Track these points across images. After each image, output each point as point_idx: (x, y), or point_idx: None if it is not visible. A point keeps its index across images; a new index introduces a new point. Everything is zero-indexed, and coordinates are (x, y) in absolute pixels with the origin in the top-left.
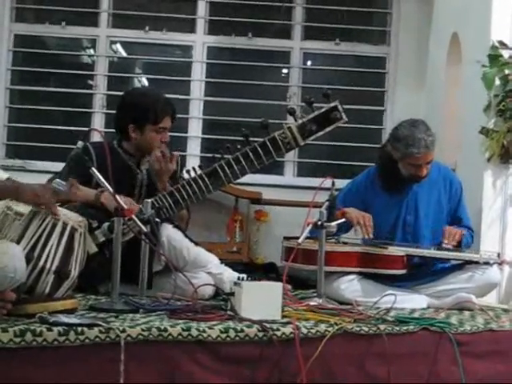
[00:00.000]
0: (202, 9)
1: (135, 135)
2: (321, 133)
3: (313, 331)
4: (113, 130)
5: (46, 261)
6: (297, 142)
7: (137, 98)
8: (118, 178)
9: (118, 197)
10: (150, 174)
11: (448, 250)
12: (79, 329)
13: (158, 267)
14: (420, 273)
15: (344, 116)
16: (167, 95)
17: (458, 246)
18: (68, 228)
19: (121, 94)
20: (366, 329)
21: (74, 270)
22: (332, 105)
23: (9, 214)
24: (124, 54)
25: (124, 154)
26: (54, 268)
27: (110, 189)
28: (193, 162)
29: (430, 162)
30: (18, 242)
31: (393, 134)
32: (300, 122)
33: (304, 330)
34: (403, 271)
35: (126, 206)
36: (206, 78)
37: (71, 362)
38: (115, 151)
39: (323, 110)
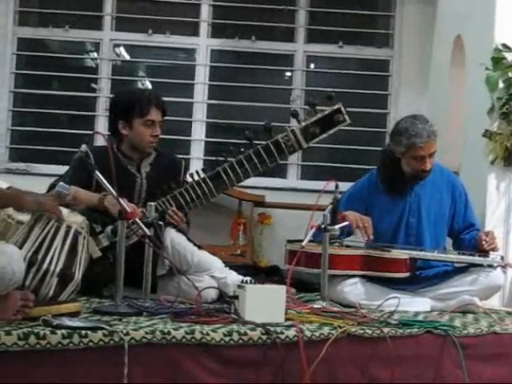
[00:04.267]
0: (205, 12)
1: (125, 131)
2: (324, 135)
3: (316, 334)
4: (110, 133)
5: (49, 263)
6: (300, 144)
7: (122, 95)
8: (116, 182)
9: (121, 200)
10: (149, 177)
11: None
12: (83, 332)
13: (162, 271)
14: (423, 276)
15: (347, 118)
16: (170, 98)
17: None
18: (72, 231)
19: None
20: (370, 332)
21: (78, 273)
22: (335, 107)
23: (11, 223)
24: (127, 58)
25: (123, 157)
26: (57, 271)
27: (114, 192)
28: (196, 165)
29: (433, 153)
30: (21, 246)
31: (394, 129)
32: (303, 124)
33: (308, 333)
34: (407, 274)
35: (129, 210)
36: (210, 81)
37: (75, 365)
38: (114, 155)
39: (326, 112)
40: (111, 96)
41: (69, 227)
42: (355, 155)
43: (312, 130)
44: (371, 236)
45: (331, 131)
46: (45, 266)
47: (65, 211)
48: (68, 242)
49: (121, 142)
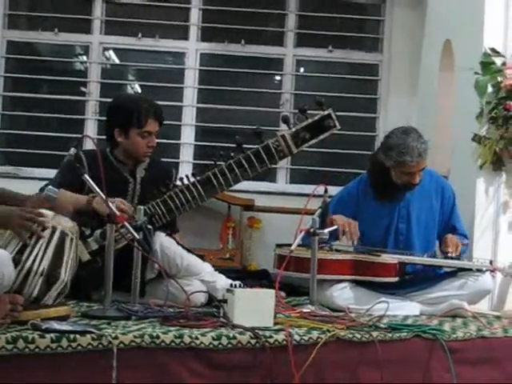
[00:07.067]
0: (194, 16)
1: (121, 139)
2: (314, 141)
3: (305, 338)
4: (105, 137)
5: (33, 263)
6: (290, 149)
7: (121, 102)
8: (109, 186)
9: (110, 203)
10: (143, 182)
11: (451, 258)
12: (71, 336)
13: (151, 275)
14: (413, 280)
15: (337, 124)
16: (160, 102)
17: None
18: (57, 232)
19: None
20: (359, 336)
21: (64, 275)
22: (325, 113)
23: None
24: (117, 61)
25: (116, 162)
26: (40, 270)
27: (103, 195)
28: (186, 168)
29: (422, 169)
30: (6, 246)
31: (385, 142)
32: (293, 129)
33: (297, 337)
34: (396, 279)
35: (118, 213)
36: (199, 84)
37: (64, 369)
38: (108, 159)
39: (316, 117)
40: (101, 99)
41: (54, 228)
42: (344, 159)
43: (302, 136)
44: (355, 242)
45: (321, 136)
46: (27, 264)
47: (55, 215)
48: (53, 242)
49: (115, 147)
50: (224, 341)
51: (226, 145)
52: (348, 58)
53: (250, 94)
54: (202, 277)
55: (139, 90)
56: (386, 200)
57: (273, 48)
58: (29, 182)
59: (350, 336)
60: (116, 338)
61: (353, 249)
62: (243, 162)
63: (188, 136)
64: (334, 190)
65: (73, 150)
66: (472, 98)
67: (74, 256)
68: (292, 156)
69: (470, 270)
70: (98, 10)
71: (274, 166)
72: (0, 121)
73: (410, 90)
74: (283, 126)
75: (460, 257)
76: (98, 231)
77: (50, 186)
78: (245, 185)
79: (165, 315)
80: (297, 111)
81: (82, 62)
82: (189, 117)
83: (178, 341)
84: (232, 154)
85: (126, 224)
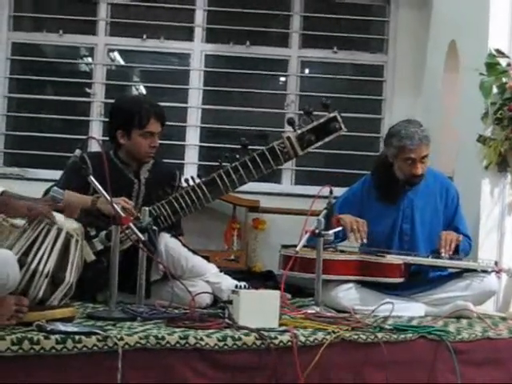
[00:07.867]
0: (199, 17)
1: (123, 141)
2: (320, 143)
3: (310, 339)
4: (108, 139)
5: (38, 264)
6: (296, 151)
7: (123, 103)
8: (114, 188)
9: (115, 205)
10: (148, 183)
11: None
12: (77, 337)
13: (156, 276)
14: (418, 281)
15: (343, 126)
16: (165, 103)
17: (455, 253)
18: (62, 233)
19: None
20: (364, 337)
21: (70, 276)
22: (331, 115)
23: (5, 225)
24: (122, 62)
25: (120, 163)
26: (46, 271)
27: (108, 196)
28: (191, 170)
29: (424, 157)
30: (11, 247)
31: (387, 133)
32: (299, 131)
33: (302, 338)
34: (401, 279)
35: (123, 214)
36: (204, 86)
37: (69, 370)
38: (112, 161)
39: (322, 120)
40: (106, 101)
41: (59, 229)
42: (349, 160)
43: (308, 138)
44: (365, 240)
45: (327, 139)
46: (33, 266)
47: (60, 217)
48: (58, 243)
49: (119, 149)
50: (229, 342)
51: (231, 146)
52: (353, 59)
53: (254, 95)
54: (207, 278)
55: (144, 92)
56: (390, 199)
57: (277, 49)
58: (34, 184)
59: (355, 337)
60: (121, 339)
61: (358, 249)
62: (249, 163)
63: (193, 137)
64: (339, 191)
65: (78, 152)
66: (477, 99)
67: (79, 257)
68: (297, 158)
69: (475, 270)
70: (103, 12)
71: (279, 167)
72: (5, 122)
73: (414, 90)
74: (288, 128)
75: (457, 255)
76: (104, 232)
77: (55, 188)
78: (250, 186)
79: (170, 316)
80: (302, 112)
81: (86, 64)
82: (194, 118)
83: (183, 342)
84: (237, 156)
85: (131, 225)
